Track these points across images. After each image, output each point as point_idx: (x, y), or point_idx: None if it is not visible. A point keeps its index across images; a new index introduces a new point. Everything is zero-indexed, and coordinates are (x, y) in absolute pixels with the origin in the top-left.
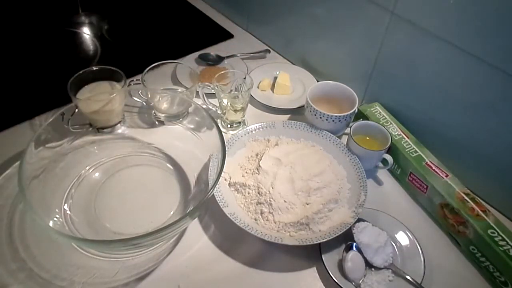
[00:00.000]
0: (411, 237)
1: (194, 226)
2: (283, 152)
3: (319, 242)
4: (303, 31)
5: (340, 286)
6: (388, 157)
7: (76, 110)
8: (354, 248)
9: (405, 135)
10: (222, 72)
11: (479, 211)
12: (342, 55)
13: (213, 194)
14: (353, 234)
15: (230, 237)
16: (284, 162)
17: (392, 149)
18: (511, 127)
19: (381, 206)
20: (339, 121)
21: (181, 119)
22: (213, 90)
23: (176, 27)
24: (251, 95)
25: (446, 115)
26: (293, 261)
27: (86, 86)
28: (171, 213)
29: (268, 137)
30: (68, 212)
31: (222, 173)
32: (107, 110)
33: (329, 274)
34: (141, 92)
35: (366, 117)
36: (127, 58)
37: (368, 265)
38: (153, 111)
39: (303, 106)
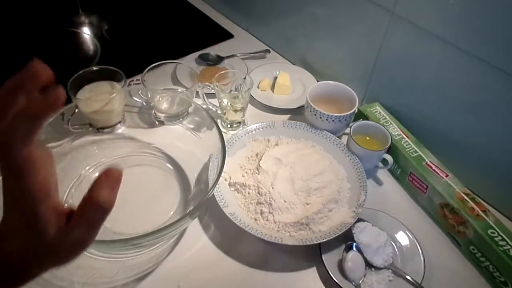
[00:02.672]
0: (411, 237)
1: (194, 226)
2: (283, 152)
3: (319, 242)
4: (303, 31)
5: (340, 286)
6: (388, 157)
7: (76, 110)
8: (354, 248)
9: (405, 135)
10: (222, 72)
11: (479, 211)
12: (342, 55)
13: (213, 194)
14: (353, 234)
15: (230, 237)
16: (284, 162)
17: (392, 149)
18: (511, 127)
19: (381, 206)
20: (339, 121)
21: (181, 119)
22: (213, 90)
23: (176, 27)
24: (251, 95)
25: (446, 115)
26: (293, 261)
27: (86, 86)
28: (171, 213)
29: (268, 137)
30: None
31: (222, 173)
32: (107, 110)
33: (329, 274)
34: (141, 92)
35: (366, 117)
36: (127, 58)
37: (368, 265)
38: (153, 111)
39: (303, 106)
